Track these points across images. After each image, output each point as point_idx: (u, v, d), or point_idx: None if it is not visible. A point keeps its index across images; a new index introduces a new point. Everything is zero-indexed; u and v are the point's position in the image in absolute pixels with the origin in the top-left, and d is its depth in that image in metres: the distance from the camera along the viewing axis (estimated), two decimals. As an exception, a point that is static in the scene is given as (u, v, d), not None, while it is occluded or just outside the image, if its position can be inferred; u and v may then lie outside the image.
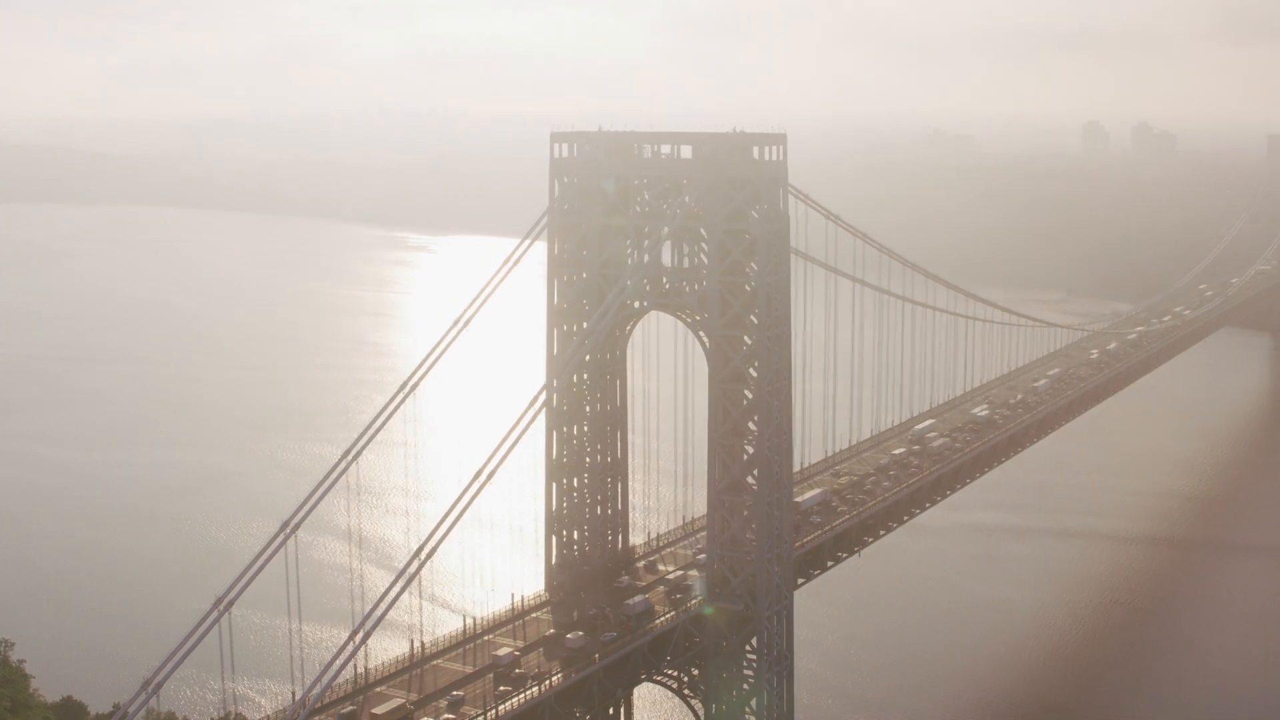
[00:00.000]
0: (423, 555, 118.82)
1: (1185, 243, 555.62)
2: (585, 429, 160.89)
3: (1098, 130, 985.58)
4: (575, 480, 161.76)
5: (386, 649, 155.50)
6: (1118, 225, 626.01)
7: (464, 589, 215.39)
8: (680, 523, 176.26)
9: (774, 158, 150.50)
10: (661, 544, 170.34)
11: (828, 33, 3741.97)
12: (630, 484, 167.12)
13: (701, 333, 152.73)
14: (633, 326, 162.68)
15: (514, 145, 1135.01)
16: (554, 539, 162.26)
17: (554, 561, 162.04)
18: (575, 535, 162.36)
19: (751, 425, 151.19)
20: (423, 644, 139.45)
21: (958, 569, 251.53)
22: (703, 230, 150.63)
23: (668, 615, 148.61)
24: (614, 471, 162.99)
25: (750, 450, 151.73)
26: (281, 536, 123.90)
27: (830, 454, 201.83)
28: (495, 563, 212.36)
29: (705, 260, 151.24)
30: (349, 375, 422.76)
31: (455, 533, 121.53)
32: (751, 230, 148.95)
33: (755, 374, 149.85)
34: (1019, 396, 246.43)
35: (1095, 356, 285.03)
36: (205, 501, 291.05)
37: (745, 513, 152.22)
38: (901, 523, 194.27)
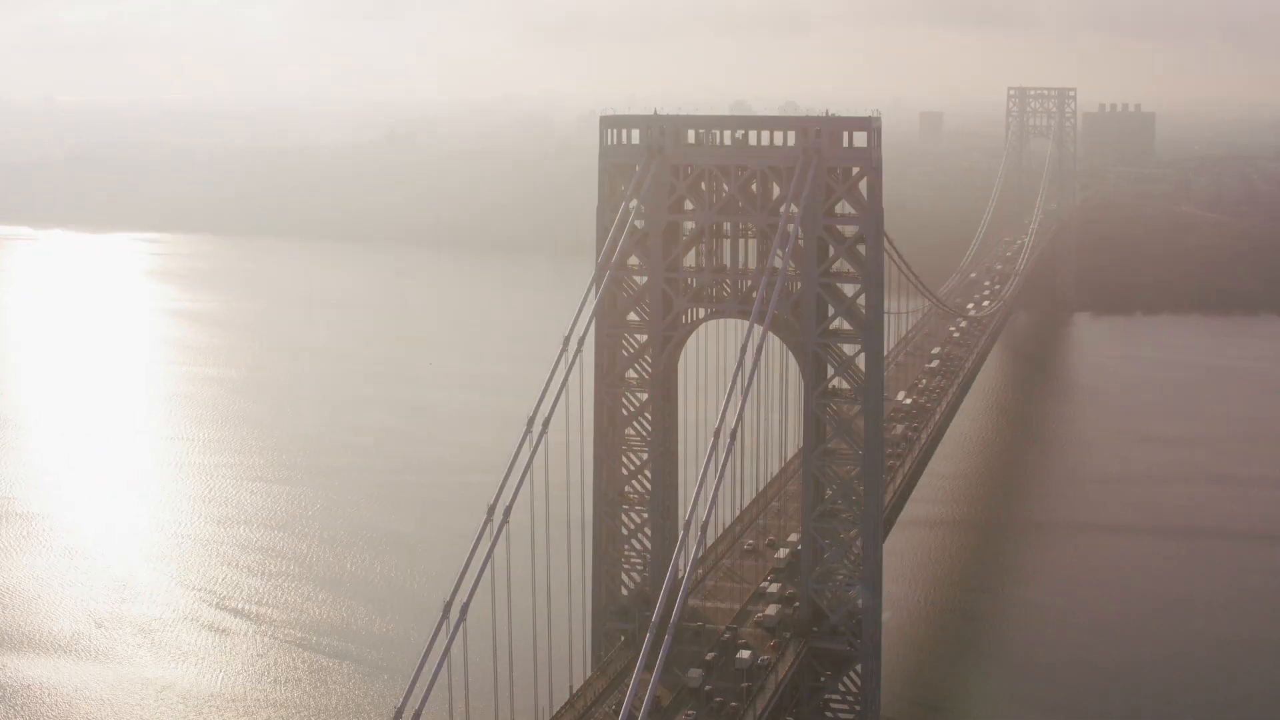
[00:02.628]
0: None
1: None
2: (640, 456, 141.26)
3: (744, 109, 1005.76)
4: (622, 511, 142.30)
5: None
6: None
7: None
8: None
9: (867, 144, 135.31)
10: (704, 571, 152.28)
11: (476, 14, 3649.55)
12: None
13: (793, 342, 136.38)
14: (687, 338, 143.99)
15: (137, 134, 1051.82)
16: (603, 578, 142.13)
17: (604, 603, 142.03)
18: (623, 573, 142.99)
19: (850, 442, 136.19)
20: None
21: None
22: (792, 227, 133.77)
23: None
24: (666, 500, 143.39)
25: (847, 471, 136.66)
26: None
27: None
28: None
29: (797, 260, 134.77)
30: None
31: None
32: (853, 226, 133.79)
33: (860, 385, 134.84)
34: (923, 381, 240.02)
35: (957, 335, 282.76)
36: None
37: (841, 539, 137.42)
38: (886, 531, 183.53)
